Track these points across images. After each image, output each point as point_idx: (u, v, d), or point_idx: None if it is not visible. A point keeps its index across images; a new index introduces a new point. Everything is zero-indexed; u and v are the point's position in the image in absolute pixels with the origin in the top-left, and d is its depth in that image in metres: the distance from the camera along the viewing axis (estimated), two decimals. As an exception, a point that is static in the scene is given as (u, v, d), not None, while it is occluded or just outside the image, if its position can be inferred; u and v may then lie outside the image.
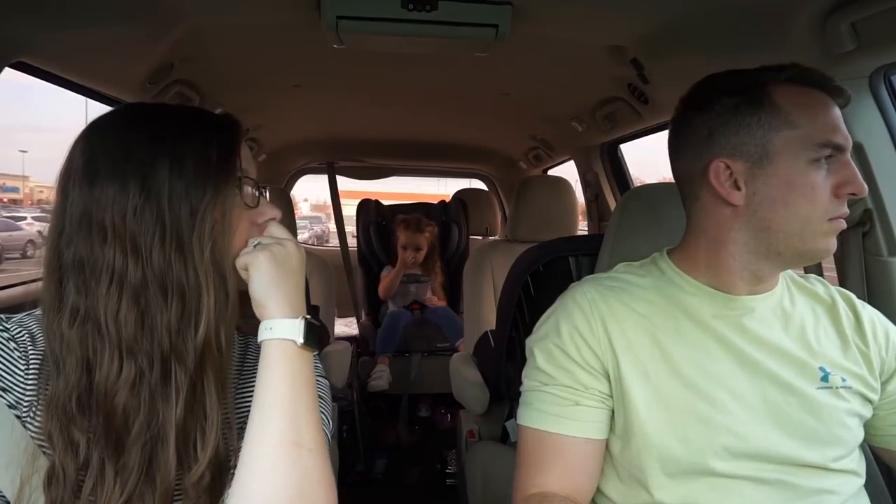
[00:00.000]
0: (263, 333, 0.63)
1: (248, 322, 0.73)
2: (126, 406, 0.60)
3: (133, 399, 0.60)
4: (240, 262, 0.64)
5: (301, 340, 0.62)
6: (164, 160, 0.62)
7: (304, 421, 0.60)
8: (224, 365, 0.64)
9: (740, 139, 0.76)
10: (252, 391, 0.63)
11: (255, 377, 0.63)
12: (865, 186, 0.74)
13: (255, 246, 0.65)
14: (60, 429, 0.59)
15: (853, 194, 0.74)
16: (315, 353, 0.78)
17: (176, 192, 0.61)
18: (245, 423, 0.61)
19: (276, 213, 0.71)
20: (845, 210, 0.75)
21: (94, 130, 0.65)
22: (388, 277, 2.96)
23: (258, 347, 0.65)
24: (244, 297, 0.66)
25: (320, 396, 0.72)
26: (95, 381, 0.60)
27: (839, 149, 0.74)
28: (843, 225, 0.75)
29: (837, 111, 0.76)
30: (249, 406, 0.62)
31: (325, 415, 0.72)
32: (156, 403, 0.61)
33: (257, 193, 0.69)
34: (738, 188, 0.76)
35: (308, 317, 0.64)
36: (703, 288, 0.82)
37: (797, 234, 0.74)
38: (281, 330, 0.62)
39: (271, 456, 0.58)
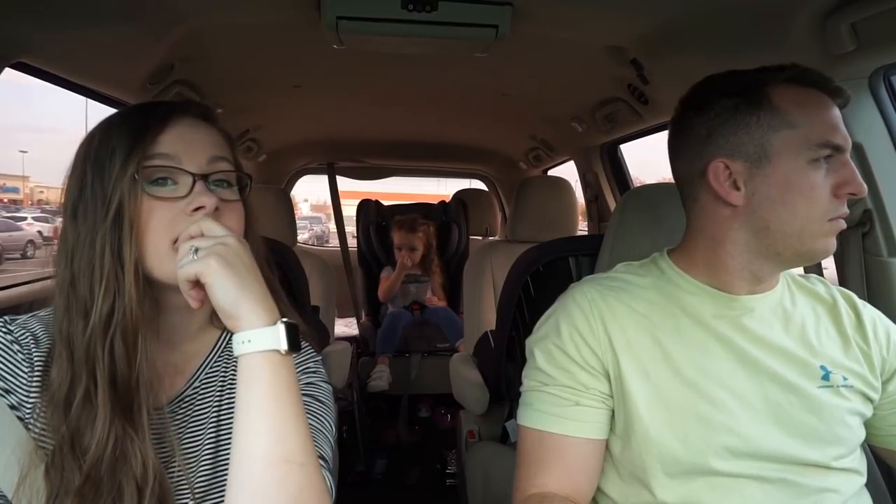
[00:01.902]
0: (241, 347, 0.57)
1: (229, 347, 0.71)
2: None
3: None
4: (186, 273, 0.58)
5: (285, 348, 0.57)
6: (90, 164, 0.63)
7: (291, 434, 0.57)
8: (123, 376, 0.60)
9: (739, 139, 0.76)
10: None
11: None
12: (865, 186, 0.74)
13: (195, 252, 0.58)
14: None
15: (853, 194, 0.74)
16: (318, 357, 0.77)
17: (93, 192, 0.62)
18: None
19: (208, 200, 0.63)
20: (845, 210, 0.75)
21: None
22: (387, 280, 2.95)
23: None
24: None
25: (323, 402, 0.71)
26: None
27: (838, 149, 0.74)
28: (843, 225, 0.75)
29: (836, 111, 0.76)
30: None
31: (329, 421, 0.70)
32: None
33: (192, 179, 0.63)
34: (738, 188, 0.76)
35: (285, 319, 0.59)
36: (704, 288, 0.82)
37: (796, 235, 0.74)
38: (261, 341, 0.57)
39: (259, 476, 0.55)
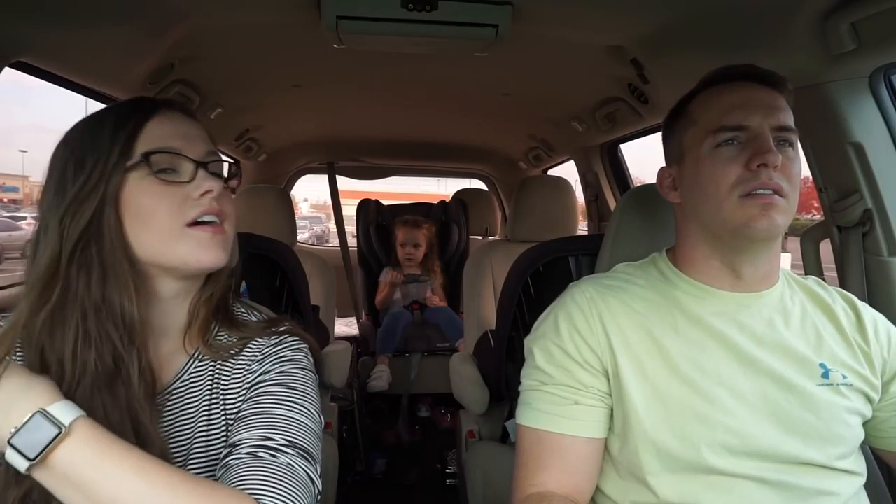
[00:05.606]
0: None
1: (216, 341, 0.71)
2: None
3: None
4: None
5: (24, 465, 0.49)
6: (70, 162, 0.63)
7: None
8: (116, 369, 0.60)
9: (669, 148, 0.88)
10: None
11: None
12: (774, 156, 0.73)
13: None
14: None
15: (763, 165, 0.74)
16: (298, 344, 0.74)
17: (80, 192, 0.61)
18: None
19: (215, 184, 0.66)
20: (760, 181, 0.74)
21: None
22: (382, 292, 2.97)
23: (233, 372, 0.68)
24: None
25: (294, 388, 0.69)
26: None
27: (740, 128, 0.77)
28: (766, 198, 0.74)
29: (743, 96, 0.78)
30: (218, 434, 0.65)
31: (306, 405, 0.68)
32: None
33: (194, 166, 0.65)
34: (675, 189, 0.86)
35: (31, 415, 0.50)
36: (701, 286, 0.82)
37: (715, 213, 0.77)
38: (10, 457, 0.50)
39: None
